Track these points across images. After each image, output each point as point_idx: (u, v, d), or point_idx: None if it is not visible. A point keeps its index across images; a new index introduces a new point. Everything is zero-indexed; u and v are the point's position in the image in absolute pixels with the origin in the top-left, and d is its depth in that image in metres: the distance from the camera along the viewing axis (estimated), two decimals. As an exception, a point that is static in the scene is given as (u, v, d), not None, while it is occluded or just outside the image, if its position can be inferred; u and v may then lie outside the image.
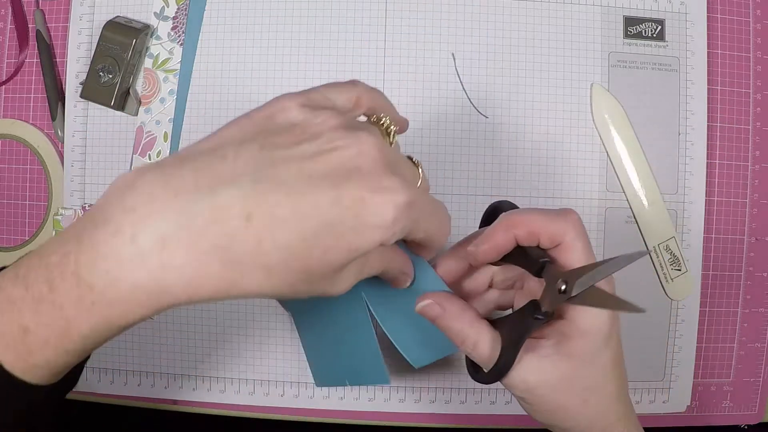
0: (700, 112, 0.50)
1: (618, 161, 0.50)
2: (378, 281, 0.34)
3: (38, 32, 0.51)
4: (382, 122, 0.30)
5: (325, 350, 0.40)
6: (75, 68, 0.51)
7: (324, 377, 0.42)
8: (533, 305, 0.31)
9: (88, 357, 0.31)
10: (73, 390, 0.52)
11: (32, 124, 0.52)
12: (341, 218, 0.25)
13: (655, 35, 0.50)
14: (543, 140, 0.50)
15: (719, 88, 0.51)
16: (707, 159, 0.50)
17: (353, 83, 0.31)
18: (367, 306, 0.35)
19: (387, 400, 0.50)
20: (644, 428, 0.35)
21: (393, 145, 0.30)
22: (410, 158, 0.32)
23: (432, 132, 0.50)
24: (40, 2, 0.51)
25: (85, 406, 0.52)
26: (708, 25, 0.50)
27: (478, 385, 0.50)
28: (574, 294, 0.30)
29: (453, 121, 0.50)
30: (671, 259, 0.50)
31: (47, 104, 0.51)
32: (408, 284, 0.34)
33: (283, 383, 0.50)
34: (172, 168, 0.25)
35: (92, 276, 0.24)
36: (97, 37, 0.48)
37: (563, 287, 0.30)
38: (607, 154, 0.50)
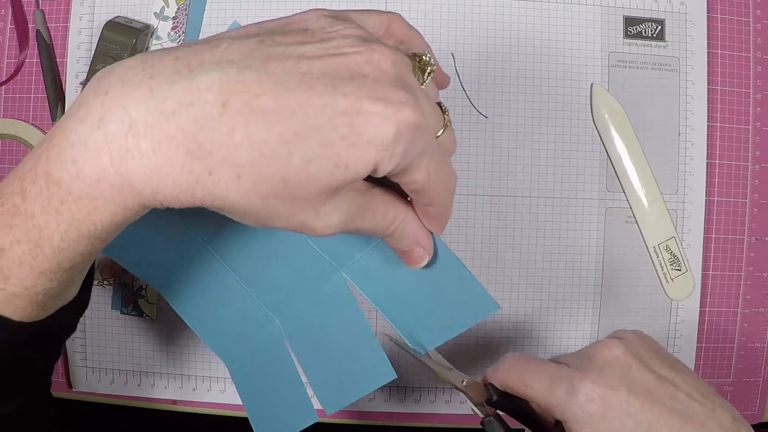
0: (700, 112, 0.50)
1: (618, 161, 0.50)
2: (367, 260, 0.32)
3: (38, 32, 0.51)
4: (417, 57, 0.26)
5: (324, 366, 0.37)
6: (75, 68, 0.51)
7: (330, 398, 0.36)
8: None
9: (81, 305, 0.30)
10: (73, 390, 0.52)
11: (32, 124, 0.52)
12: (332, 124, 0.22)
13: (655, 35, 0.50)
14: (543, 140, 0.50)
15: (719, 88, 0.51)
16: (707, 159, 0.50)
17: (389, 12, 0.27)
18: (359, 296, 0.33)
19: (387, 400, 0.50)
20: None
21: (425, 84, 0.26)
22: (439, 104, 0.27)
23: (432, 132, 0.50)
24: (40, 2, 0.51)
25: (85, 406, 0.52)
26: (708, 25, 0.50)
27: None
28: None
29: (453, 121, 0.50)
30: (671, 259, 0.50)
31: (47, 104, 0.51)
32: (424, 262, 0.30)
33: (283, 383, 0.50)
34: (154, 54, 0.23)
35: (60, 169, 0.22)
36: (97, 37, 0.48)
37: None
38: (607, 154, 0.50)
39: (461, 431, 0.51)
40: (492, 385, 0.34)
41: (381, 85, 0.23)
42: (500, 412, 0.34)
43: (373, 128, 0.22)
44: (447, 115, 0.27)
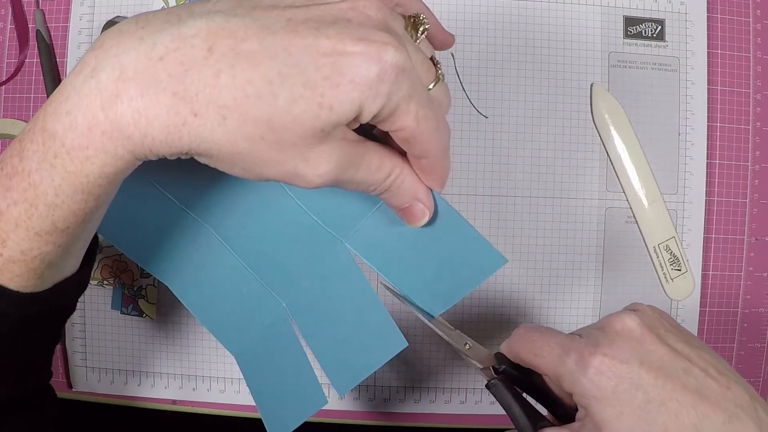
0: (700, 112, 0.50)
1: (618, 161, 0.50)
2: (368, 228, 0.32)
3: (38, 32, 0.51)
4: (412, 17, 0.27)
5: (334, 344, 0.36)
6: (75, 68, 0.51)
7: (342, 378, 0.35)
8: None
9: (81, 282, 0.30)
10: (73, 390, 0.52)
11: (32, 124, 0.52)
12: (315, 64, 0.22)
13: (655, 35, 0.50)
14: (543, 140, 0.50)
15: (719, 88, 0.51)
16: (707, 159, 0.50)
17: None
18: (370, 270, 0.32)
19: (387, 400, 0.50)
20: None
21: (417, 41, 0.26)
22: (432, 58, 0.27)
23: (432, 132, 0.50)
24: (40, 2, 0.51)
25: (85, 406, 0.52)
26: (708, 25, 0.50)
27: (478, 385, 0.50)
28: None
29: (453, 121, 0.50)
30: (671, 259, 0.50)
31: (47, 104, 0.51)
32: (425, 219, 0.30)
33: (283, 383, 0.50)
34: (150, 11, 0.24)
35: (54, 122, 0.23)
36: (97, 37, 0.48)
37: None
38: (607, 154, 0.50)
39: (461, 431, 0.51)
40: (502, 354, 0.33)
41: (364, 28, 0.23)
42: (509, 370, 0.33)
43: (356, 67, 0.22)
44: (440, 69, 0.27)
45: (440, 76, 0.27)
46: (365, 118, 0.24)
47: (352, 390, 0.50)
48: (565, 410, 0.32)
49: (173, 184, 0.34)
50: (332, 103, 0.22)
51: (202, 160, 0.24)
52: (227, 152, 0.23)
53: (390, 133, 0.26)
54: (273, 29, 0.22)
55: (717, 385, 0.28)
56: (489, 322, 0.49)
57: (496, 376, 0.32)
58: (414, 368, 0.50)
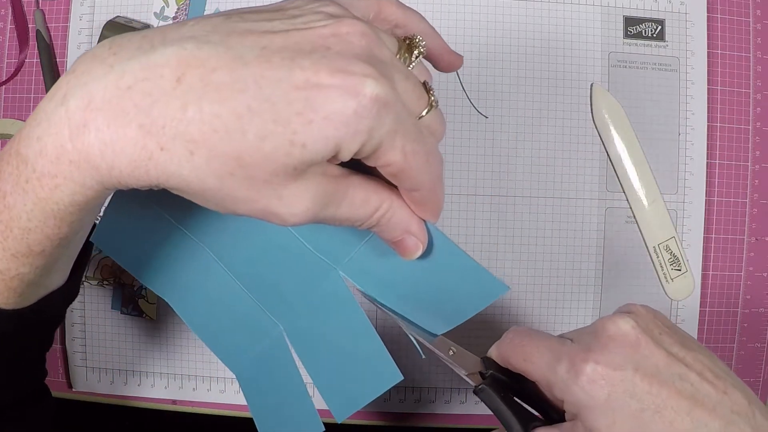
0: (700, 112, 0.50)
1: (618, 161, 0.50)
2: (363, 255, 0.31)
3: (38, 32, 0.51)
4: (408, 39, 0.25)
5: (331, 371, 0.36)
6: (75, 68, 0.51)
7: (340, 405, 0.35)
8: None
9: (69, 294, 0.30)
10: (73, 390, 0.52)
11: (32, 124, 0.52)
12: (287, 98, 0.21)
13: (655, 35, 0.50)
14: (543, 140, 0.50)
15: (719, 88, 0.51)
16: (707, 159, 0.50)
17: None
18: (359, 293, 0.32)
19: (387, 400, 0.50)
20: None
21: (411, 66, 0.25)
22: (425, 83, 0.25)
23: (432, 132, 0.50)
24: (40, 2, 0.51)
25: (85, 406, 0.52)
26: (708, 25, 0.50)
27: (478, 385, 0.50)
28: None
29: (453, 121, 0.50)
30: (671, 259, 0.50)
31: (47, 104, 0.51)
32: (419, 253, 0.28)
33: (283, 383, 0.50)
34: (125, 35, 0.23)
35: (27, 147, 0.23)
36: (97, 37, 0.48)
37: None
38: (607, 154, 0.50)
39: (461, 431, 0.51)
40: (490, 359, 0.32)
41: (344, 58, 0.21)
42: (496, 374, 0.32)
43: (331, 103, 0.21)
44: (433, 96, 0.25)
45: (433, 103, 0.25)
46: (345, 156, 0.22)
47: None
48: (558, 415, 0.31)
49: (169, 202, 0.34)
50: (305, 140, 0.21)
51: (174, 192, 0.23)
52: (196, 188, 0.22)
53: (377, 168, 0.24)
54: (245, 59, 0.21)
55: (713, 390, 0.28)
56: (487, 322, 0.49)
57: (483, 381, 0.31)
58: (414, 368, 0.50)
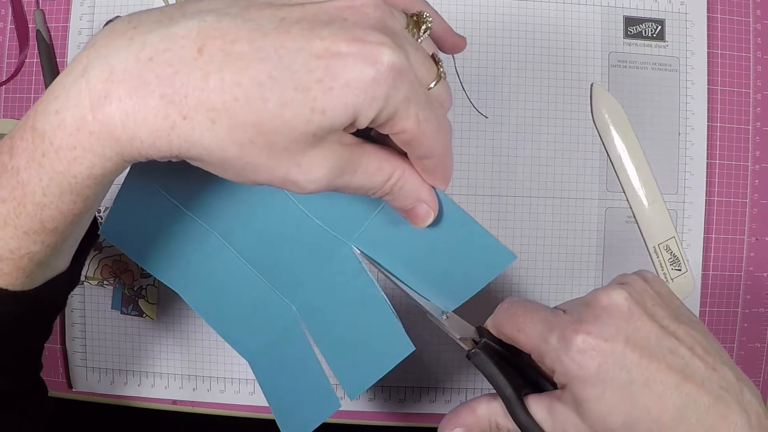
0: (700, 112, 0.50)
1: (618, 161, 0.50)
2: (374, 228, 0.31)
3: (38, 32, 0.51)
4: (415, 15, 0.26)
5: (344, 348, 0.36)
6: (75, 68, 0.51)
7: (352, 381, 0.35)
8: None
9: (71, 280, 0.30)
10: (73, 390, 0.52)
11: (32, 124, 0.52)
12: (307, 67, 0.21)
13: (655, 35, 0.50)
14: (543, 140, 0.50)
15: (719, 88, 0.51)
16: (707, 159, 0.50)
17: None
18: (371, 266, 0.32)
19: (387, 400, 0.50)
20: None
21: (420, 40, 0.26)
22: (433, 56, 0.26)
23: (432, 132, 0.50)
24: (40, 2, 0.51)
25: (85, 406, 0.52)
26: (708, 25, 0.50)
27: (479, 385, 0.50)
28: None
29: (453, 121, 0.50)
30: (671, 259, 0.50)
31: (47, 104, 0.51)
32: (430, 220, 0.29)
33: (283, 383, 0.50)
34: (144, 11, 0.23)
35: (44, 121, 0.23)
36: (97, 37, 0.48)
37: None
38: (607, 154, 0.50)
39: (461, 431, 0.51)
40: (484, 328, 0.32)
41: (360, 28, 0.22)
42: (490, 342, 0.32)
43: (350, 70, 0.21)
44: (441, 67, 0.26)
45: (442, 74, 0.26)
46: (362, 123, 0.23)
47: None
48: (550, 387, 0.31)
49: (177, 188, 0.34)
50: (325, 107, 0.22)
51: (194, 164, 0.24)
52: (217, 157, 0.22)
53: (390, 136, 0.25)
54: (265, 30, 0.22)
55: (703, 365, 0.28)
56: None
57: (476, 346, 0.31)
58: (415, 368, 0.50)
